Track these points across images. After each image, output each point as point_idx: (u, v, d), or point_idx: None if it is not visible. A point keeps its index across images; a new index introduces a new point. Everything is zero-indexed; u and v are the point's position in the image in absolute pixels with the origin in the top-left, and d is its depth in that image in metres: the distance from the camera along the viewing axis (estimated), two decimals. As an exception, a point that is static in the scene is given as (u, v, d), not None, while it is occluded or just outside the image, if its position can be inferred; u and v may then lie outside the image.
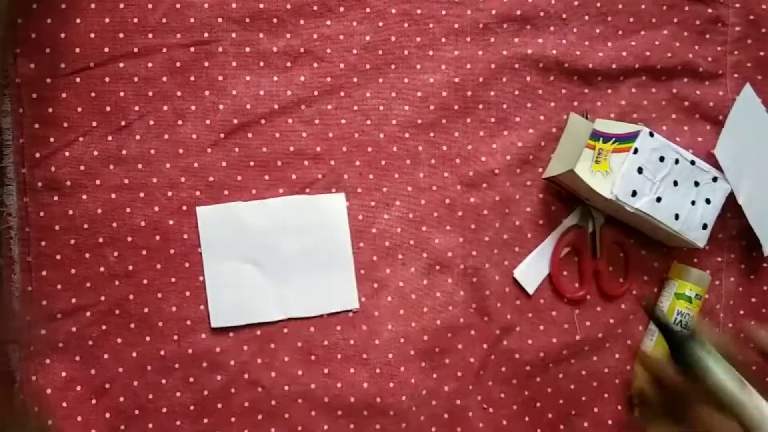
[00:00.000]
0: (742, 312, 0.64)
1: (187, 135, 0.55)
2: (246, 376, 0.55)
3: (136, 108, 0.55)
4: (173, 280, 0.55)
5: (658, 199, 0.55)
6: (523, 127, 0.60)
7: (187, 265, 0.55)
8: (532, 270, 0.60)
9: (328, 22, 0.57)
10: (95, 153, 0.54)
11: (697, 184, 0.57)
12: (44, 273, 0.54)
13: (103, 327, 0.54)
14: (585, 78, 0.61)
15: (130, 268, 0.55)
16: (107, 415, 0.54)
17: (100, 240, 0.54)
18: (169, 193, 0.55)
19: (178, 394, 0.55)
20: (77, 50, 0.53)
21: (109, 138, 0.54)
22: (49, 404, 0.53)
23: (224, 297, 0.55)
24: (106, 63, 0.54)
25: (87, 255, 0.54)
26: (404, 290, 0.58)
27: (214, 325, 0.55)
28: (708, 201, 0.57)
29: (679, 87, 0.62)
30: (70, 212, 0.54)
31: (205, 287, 0.55)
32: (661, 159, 0.55)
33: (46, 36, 0.53)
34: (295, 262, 0.56)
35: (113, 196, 0.54)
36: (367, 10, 0.58)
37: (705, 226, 0.58)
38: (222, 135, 0.56)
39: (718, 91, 0.63)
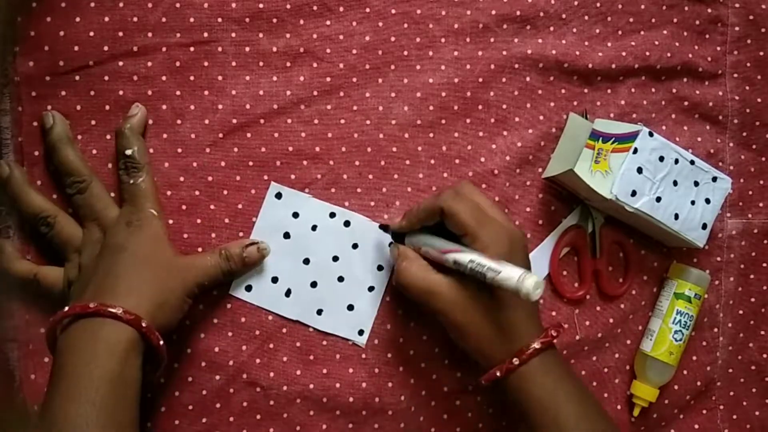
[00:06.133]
0: (741, 312, 0.64)
1: (186, 134, 0.55)
2: (245, 376, 0.55)
3: (136, 107, 0.55)
4: (173, 280, 0.55)
5: (658, 199, 0.55)
6: (522, 128, 0.60)
7: (186, 265, 0.55)
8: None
9: (328, 22, 0.57)
10: (94, 152, 0.54)
11: (696, 183, 0.57)
12: (43, 272, 0.54)
13: (102, 326, 0.54)
14: (585, 78, 0.61)
15: (130, 267, 0.55)
16: (105, 414, 0.54)
17: (99, 239, 0.54)
18: (168, 193, 0.55)
19: (177, 393, 0.55)
20: (76, 48, 0.53)
21: (108, 137, 0.54)
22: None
23: (255, 273, 0.56)
24: (105, 62, 0.54)
25: (86, 254, 0.54)
26: (403, 290, 0.58)
27: (231, 292, 0.55)
28: (708, 201, 0.57)
29: (679, 87, 0.62)
30: (69, 211, 0.54)
31: None
32: (661, 159, 0.55)
33: (45, 34, 0.53)
34: (333, 275, 0.57)
35: (112, 195, 0.54)
36: (367, 10, 0.58)
37: (705, 226, 0.58)
38: (221, 135, 0.56)
39: (717, 91, 0.63)
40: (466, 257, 0.47)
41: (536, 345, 0.49)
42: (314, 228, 0.57)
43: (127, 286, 0.48)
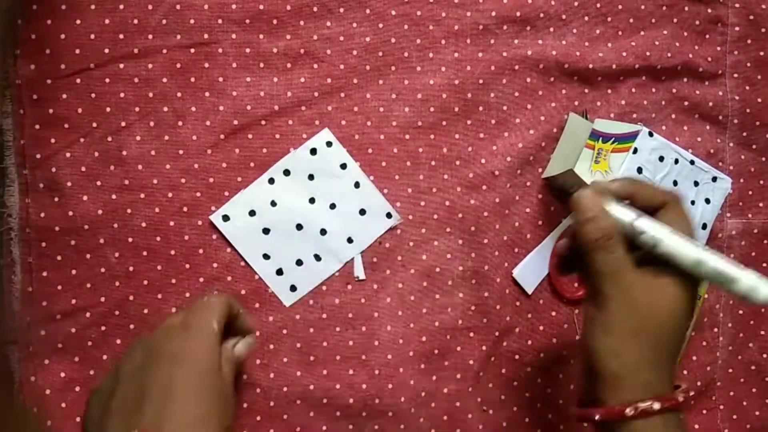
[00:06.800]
0: (741, 312, 0.64)
1: (187, 136, 0.55)
2: (244, 377, 0.55)
3: (137, 109, 0.55)
4: (173, 281, 0.55)
5: (658, 199, 0.55)
6: (523, 128, 0.60)
7: (187, 266, 0.55)
8: (530, 269, 0.60)
9: (328, 24, 0.57)
10: (96, 154, 0.54)
11: (696, 183, 0.57)
12: (45, 274, 0.54)
13: (103, 328, 0.54)
14: (585, 78, 0.61)
15: (131, 269, 0.55)
16: (107, 415, 0.54)
17: (101, 241, 0.54)
18: (170, 194, 0.55)
19: (178, 394, 0.55)
20: (77, 51, 0.53)
21: (110, 139, 0.54)
22: (48, 405, 0.53)
23: (283, 278, 0.57)
24: (106, 64, 0.54)
25: (88, 256, 0.54)
26: (403, 291, 0.58)
27: (288, 305, 0.56)
28: (708, 201, 0.57)
29: (679, 87, 0.62)
30: (71, 213, 0.54)
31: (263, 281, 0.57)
32: (661, 159, 0.55)
33: (46, 37, 0.53)
34: (323, 211, 0.58)
35: (114, 197, 0.54)
36: (367, 11, 0.58)
37: (705, 226, 0.58)
38: (222, 136, 0.56)
39: (717, 91, 0.63)
40: (712, 258, 0.43)
41: (656, 405, 0.42)
42: (274, 204, 0.57)
43: (190, 415, 0.41)
